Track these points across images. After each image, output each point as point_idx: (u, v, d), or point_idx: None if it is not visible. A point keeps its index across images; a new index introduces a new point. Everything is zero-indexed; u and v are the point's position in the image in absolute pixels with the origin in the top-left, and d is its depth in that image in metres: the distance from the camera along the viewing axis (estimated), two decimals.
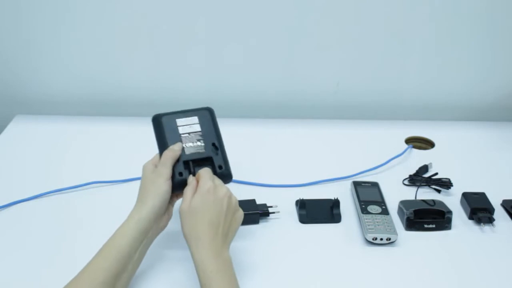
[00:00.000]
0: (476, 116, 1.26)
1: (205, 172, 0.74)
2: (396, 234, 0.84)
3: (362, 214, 0.88)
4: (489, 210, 0.90)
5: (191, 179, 0.74)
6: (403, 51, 1.18)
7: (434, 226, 0.88)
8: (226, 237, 0.71)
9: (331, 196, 0.92)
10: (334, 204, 0.90)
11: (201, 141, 0.78)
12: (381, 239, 0.83)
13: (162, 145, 0.77)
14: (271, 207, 0.90)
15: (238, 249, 0.81)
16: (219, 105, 1.24)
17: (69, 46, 1.16)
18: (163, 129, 0.78)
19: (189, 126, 0.79)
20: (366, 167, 1.03)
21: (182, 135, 0.78)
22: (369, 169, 1.03)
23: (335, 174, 1.01)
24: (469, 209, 0.91)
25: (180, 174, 0.75)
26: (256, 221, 0.88)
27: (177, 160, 0.76)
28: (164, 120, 0.79)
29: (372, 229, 0.84)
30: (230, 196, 0.72)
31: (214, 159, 0.77)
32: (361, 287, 0.77)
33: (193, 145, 0.77)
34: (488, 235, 0.88)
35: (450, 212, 0.88)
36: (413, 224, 0.88)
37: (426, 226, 0.88)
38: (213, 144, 0.78)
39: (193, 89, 1.22)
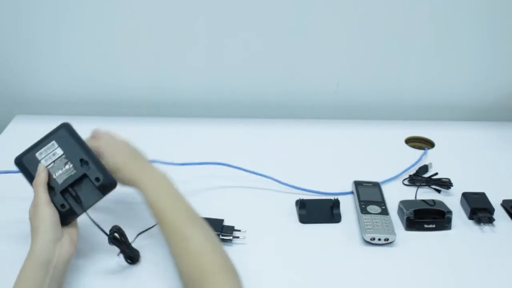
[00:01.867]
0: (476, 116, 1.26)
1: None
2: (395, 234, 0.84)
3: (361, 214, 0.88)
4: (489, 210, 0.90)
5: None
6: (403, 51, 1.18)
7: (434, 226, 0.88)
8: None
9: (331, 196, 0.92)
10: (334, 204, 0.90)
11: (68, 163, 0.74)
12: (379, 239, 0.83)
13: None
14: (239, 231, 0.84)
15: (240, 249, 0.82)
16: (219, 105, 1.25)
17: (69, 46, 1.16)
18: (27, 170, 0.75)
19: (51, 154, 0.74)
20: (366, 167, 1.03)
21: (49, 167, 0.74)
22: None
23: (335, 174, 1.01)
24: (469, 209, 0.91)
25: (63, 206, 0.72)
26: None
27: (54, 193, 0.72)
28: (25, 160, 0.75)
29: (371, 229, 0.84)
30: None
31: (88, 175, 0.74)
32: (361, 287, 0.77)
33: (62, 171, 0.74)
34: (488, 235, 0.88)
35: (450, 212, 0.88)
36: (413, 224, 0.88)
37: (426, 226, 0.88)
38: (81, 160, 0.74)
39: (193, 89, 1.22)
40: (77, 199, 0.73)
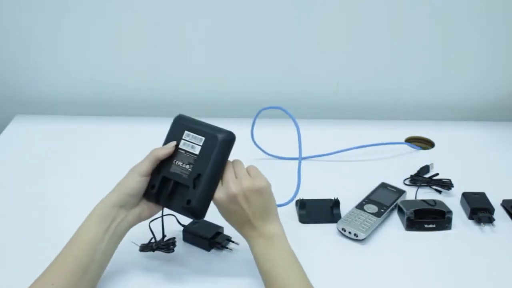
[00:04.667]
0: (476, 116, 1.26)
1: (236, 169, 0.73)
2: (365, 234, 0.83)
3: (354, 208, 0.89)
4: (489, 210, 0.90)
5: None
6: (403, 51, 1.18)
7: (434, 226, 0.88)
8: (266, 217, 0.71)
9: (331, 196, 0.92)
10: (334, 204, 0.90)
11: (191, 166, 0.71)
12: (350, 232, 0.84)
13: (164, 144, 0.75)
14: (233, 242, 0.82)
15: (239, 248, 0.82)
16: (219, 105, 1.25)
17: (69, 46, 1.16)
18: (170, 132, 0.74)
19: (191, 145, 0.71)
20: (366, 167, 1.03)
21: (180, 150, 0.72)
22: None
23: (334, 174, 1.01)
24: (469, 209, 0.91)
25: (153, 187, 0.72)
26: (206, 248, 0.82)
27: (158, 171, 0.72)
28: (176, 124, 0.74)
29: (346, 221, 0.85)
30: (242, 190, 0.70)
31: (188, 191, 0.70)
32: (361, 287, 0.77)
33: (181, 165, 0.71)
34: (488, 235, 0.88)
35: (450, 212, 0.88)
36: (413, 224, 0.88)
37: (426, 226, 0.88)
38: (198, 176, 0.70)
39: (193, 89, 1.22)
40: (169, 194, 0.71)
